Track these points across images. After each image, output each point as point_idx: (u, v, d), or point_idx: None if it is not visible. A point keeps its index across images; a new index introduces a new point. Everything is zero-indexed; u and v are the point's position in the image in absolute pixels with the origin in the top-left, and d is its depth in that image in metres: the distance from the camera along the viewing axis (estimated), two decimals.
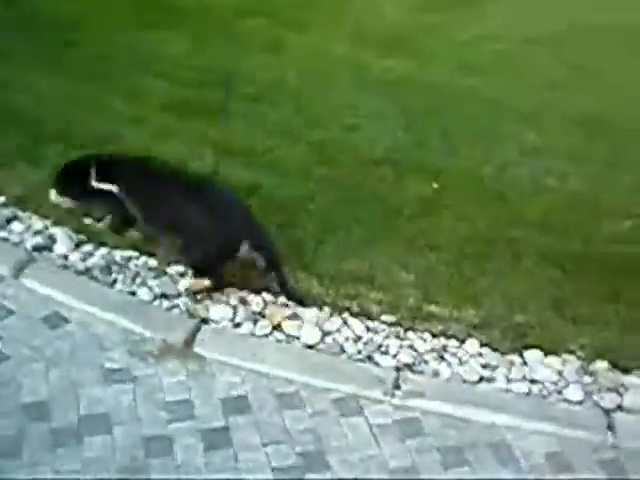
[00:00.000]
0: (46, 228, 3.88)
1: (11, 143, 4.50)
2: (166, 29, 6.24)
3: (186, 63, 5.70)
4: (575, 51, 6.52)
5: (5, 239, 3.80)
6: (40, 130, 4.64)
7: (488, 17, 7.15)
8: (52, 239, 3.81)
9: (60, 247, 3.75)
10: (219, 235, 3.51)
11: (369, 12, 7.05)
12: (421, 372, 3.32)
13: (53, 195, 3.91)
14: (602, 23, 6.89)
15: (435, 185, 4.48)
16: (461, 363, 3.40)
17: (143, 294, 3.51)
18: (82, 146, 4.31)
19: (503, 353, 3.46)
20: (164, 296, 3.52)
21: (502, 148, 5.04)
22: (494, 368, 3.40)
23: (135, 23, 6.29)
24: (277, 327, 3.43)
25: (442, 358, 3.42)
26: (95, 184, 3.72)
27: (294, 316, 3.48)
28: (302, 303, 3.55)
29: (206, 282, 3.57)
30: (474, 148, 4.99)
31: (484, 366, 3.40)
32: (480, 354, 3.46)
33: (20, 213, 4.00)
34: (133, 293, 3.53)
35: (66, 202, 3.93)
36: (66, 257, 3.72)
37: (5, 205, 4.03)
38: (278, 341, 3.37)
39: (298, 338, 3.40)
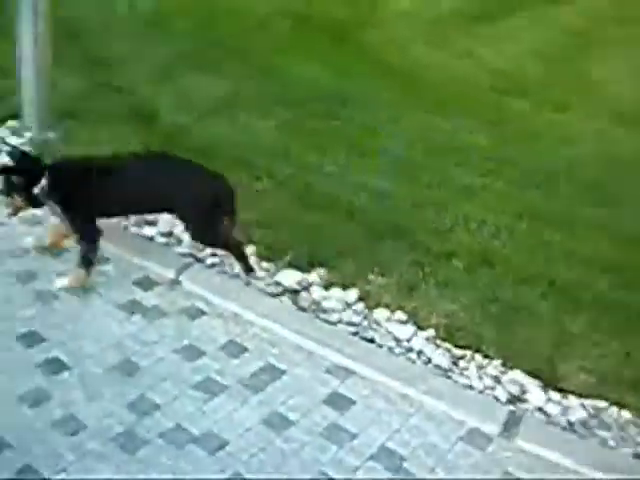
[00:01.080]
0: (502, 373, 3.77)
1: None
2: (445, 113, 6.16)
3: (491, 156, 5.62)
4: None
5: (482, 392, 3.68)
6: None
7: None
8: (519, 385, 3.72)
9: (534, 397, 3.65)
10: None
11: (609, 88, 6.97)
12: None
13: None
14: None
15: None
16: None
17: None
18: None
19: None
20: None
21: None
22: None
23: (403, 103, 6.20)
24: None
25: None
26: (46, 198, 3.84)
27: None
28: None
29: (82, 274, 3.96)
30: None
31: None
32: None
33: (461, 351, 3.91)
34: (637, 455, 3.46)
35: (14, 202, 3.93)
36: (541, 409, 3.64)
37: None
38: None
39: None
